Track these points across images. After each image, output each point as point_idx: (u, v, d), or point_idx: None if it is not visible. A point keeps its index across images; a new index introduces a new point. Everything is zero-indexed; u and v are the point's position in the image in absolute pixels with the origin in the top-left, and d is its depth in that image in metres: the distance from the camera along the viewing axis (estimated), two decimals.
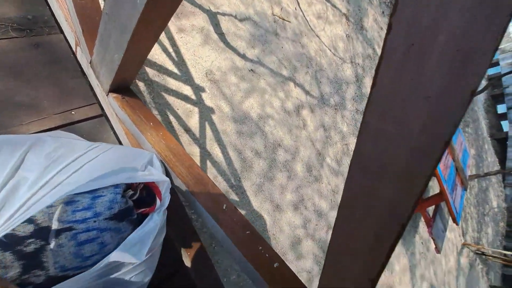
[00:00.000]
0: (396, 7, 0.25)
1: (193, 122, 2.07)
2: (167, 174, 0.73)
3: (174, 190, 0.74)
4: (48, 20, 0.86)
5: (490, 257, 6.41)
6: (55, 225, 0.42)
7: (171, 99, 2.00)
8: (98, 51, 0.71)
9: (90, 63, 0.78)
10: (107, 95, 0.78)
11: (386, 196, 0.31)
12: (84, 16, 0.71)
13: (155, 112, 1.90)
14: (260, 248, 0.65)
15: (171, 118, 1.97)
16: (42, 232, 0.41)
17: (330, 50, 3.45)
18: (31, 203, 0.37)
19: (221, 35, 2.38)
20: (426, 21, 0.24)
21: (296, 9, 3.16)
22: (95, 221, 0.45)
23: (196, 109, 2.11)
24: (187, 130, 2.02)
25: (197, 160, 2.01)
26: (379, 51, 4.48)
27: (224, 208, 0.68)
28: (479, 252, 6.21)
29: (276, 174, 2.45)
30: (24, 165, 0.40)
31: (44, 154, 0.43)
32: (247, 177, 2.28)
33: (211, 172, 2.06)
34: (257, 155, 2.39)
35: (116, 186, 0.48)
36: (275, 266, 0.63)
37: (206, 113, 2.14)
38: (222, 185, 2.09)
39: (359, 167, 0.33)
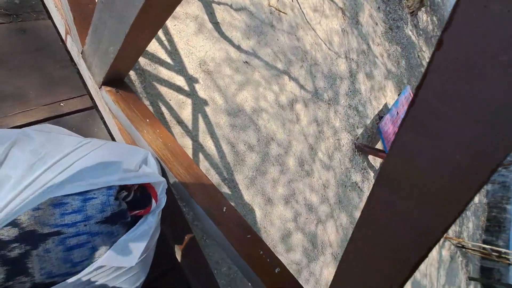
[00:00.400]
0: (451, 21, 0.23)
1: (186, 113, 2.03)
2: (164, 173, 0.71)
3: (168, 187, 0.72)
4: (36, 4, 0.80)
5: (470, 250, 6.73)
6: (41, 229, 0.39)
7: (163, 89, 1.94)
8: (91, 42, 0.66)
9: (81, 53, 0.73)
10: (99, 88, 0.74)
11: (415, 218, 0.30)
12: (76, 2, 0.66)
13: (146, 103, 1.85)
14: (261, 252, 0.64)
15: (163, 109, 1.93)
16: (27, 236, 0.38)
17: (326, 44, 3.43)
18: (14, 205, 0.34)
19: (216, 24, 2.31)
20: (487, 38, 0.22)
21: (292, 0, 3.10)
22: (85, 225, 0.42)
23: (189, 101, 2.06)
24: (180, 122, 1.98)
25: (189, 152, 1.99)
26: (373, 47, 4.49)
27: (224, 210, 0.67)
28: (460, 245, 6.50)
29: (269, 168, 2.46)
30: (7, 163, 0.36)
31: (29, 150, 0.39)
32: (240, 171, 2.28)
33: (204, 165, 2.04)
34: (250, 148, 2.38)
35: (109, 187, 0.45)
36: (276, 271, 0.62)
37: (199, 105, 2.10)
38: (214, 178, 2.08)
39: (386, 183, 0.31)
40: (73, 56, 0.80)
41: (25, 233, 0.37)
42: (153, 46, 1.91)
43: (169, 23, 2.03)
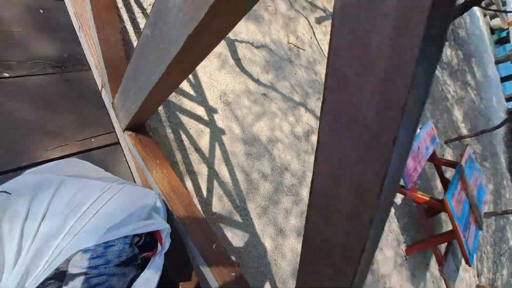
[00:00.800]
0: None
1: (204, 141, 2.14)
2: (167, 211, 0.78)
3: (171, 220, 0.79)
4: (81, 58, 0.97)
5: None
6: (72, 270, 0.47)
7: (184, 118, 2.08)
8: (119, 98, 0.80)
9: (112, 104, 0.87)
10: (123, 131, 0.87)
11: (336, 237, 0.35)
12: (111, 66, 0.81)
13: (168, 131, 1.98)
14: None
15: (183, 136, 2.05)
16: (60, 275, 0.46)
17: None
18: (56, 254, 0.43)
19: (238, 60, 2.49)
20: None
21: (311, 38, 3.27)
22: (105, 267, 0.50)
23: (207, 130, 2.18)
24: (197, 149, 2.08)
25: (204, 179, 2.06)
26: None
27: (213, 247, 0.72)
28: None
29: (282, 198, 2.45)
30: (49, 213, 0.46)
31: (65, 201, 0.49)
32: (252, 199, 2.30)
33: (217, 192, 2.09)
34: (264, 177, 2.41)
35: (125, 236, 0.53)
36: None
37: (217, 133, 2.21)
38: (227, 205, 2.11)
39: (311, 203, 0.38)
40: (105, 104, 0.94)
41: (59, 273, 0.45)
42: None
43: None
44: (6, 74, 0.83)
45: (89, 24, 0.81)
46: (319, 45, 3.31)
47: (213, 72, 2.31)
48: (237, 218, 2.17)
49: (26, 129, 0.80)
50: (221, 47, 2.41)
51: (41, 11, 0.95)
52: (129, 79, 0.74)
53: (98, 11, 0.70)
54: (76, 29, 0.95)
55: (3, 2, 0.85)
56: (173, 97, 2.03)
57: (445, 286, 3.54)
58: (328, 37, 3.58)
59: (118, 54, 0.82)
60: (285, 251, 2.35)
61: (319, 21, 3.41)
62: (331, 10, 3.69)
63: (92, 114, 0.94)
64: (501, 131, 10.25)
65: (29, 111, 0.85)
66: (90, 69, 0.98)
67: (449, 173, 4.88)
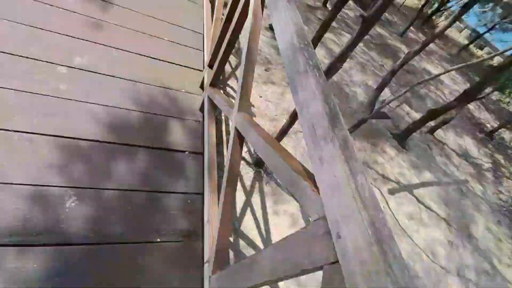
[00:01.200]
0: None
1: None
2: None
3: None
4: (200, 234, 1.44)
5: None
6: None
7: None
8: (215, 278, 1.13)
9: (209, 277, 1.21)
10: None
11: None
12: (218, 253, 1.19)
13: None
14: None
15: None
16: None
17: (427, 255, 3.13)
18: None
19: (307, 221, 2.73)
20: None
21: (384, 207, 3.34)
22: None
23: None
24: None
25: None
26: (500, 267, 3.63)
27: None
28: None
29: None
30: None
31: None
32: None
33: None
34: None
35: None
36: None
37: None
38: None
39: None
40: (204, 272, 1.31)
41: None
42: (253, 233, 2.39)
43: (270, 216, 2.58)
44: (158, 240, 1.32)
45: (214, 224, 1.31)
46: (393, 215, 3.30)
47: (284, 229, 2.56)
48: None
49: (150, 280, 1.16)
50: (294, 208, 2.76)
51: (189, 201, 1.54)
52: (226, 280, 1.09)
53: (224, 219, 1.18)
54: (205, 217, 1.46)
55: (175, 198, 1.49)
56: (245, 248, 2.26)
57: None
58: (404, 207, 3.55)
59: (225, 247, 1.21)
60: None
61: (392, 192, 3.56)
62: (403, 181, 3.85)
63: (192, 276, 1.28)
64: None
65: (157, 265, 1.25)
66: (203, 244, 1.41)
67: None
